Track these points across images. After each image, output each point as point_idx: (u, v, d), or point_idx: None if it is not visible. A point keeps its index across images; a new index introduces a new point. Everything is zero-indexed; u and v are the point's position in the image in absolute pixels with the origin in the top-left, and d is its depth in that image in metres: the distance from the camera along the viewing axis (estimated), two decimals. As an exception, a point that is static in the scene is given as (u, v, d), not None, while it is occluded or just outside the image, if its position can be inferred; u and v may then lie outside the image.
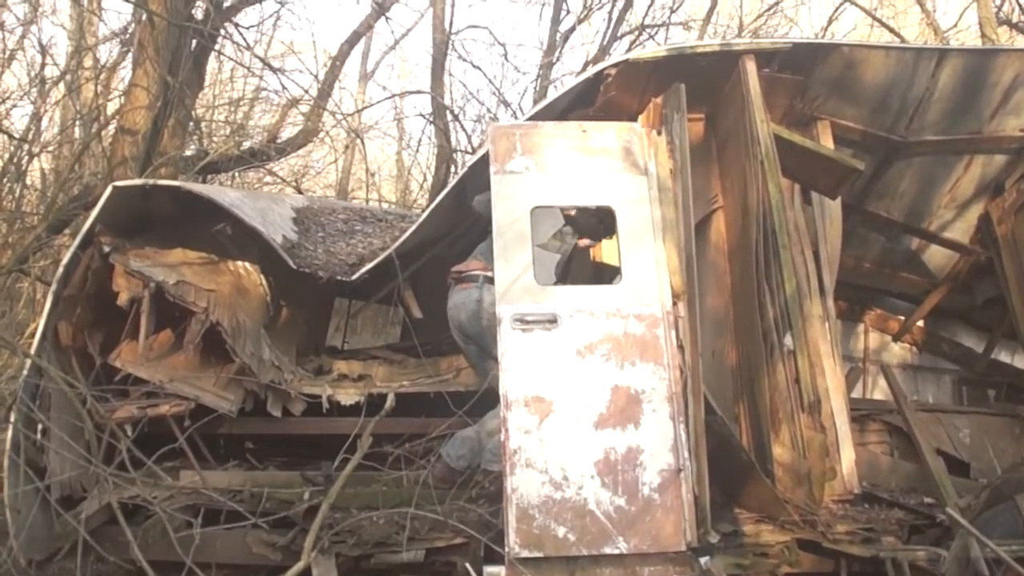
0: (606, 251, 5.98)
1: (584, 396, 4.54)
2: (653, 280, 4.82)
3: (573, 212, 5.63)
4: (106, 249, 5.35)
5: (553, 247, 5.68)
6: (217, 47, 10.48)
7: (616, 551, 4.28)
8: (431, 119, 13.97)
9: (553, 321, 4.63)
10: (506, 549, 4.18)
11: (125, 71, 10.83)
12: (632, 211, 4.97)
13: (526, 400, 4.49)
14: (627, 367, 4.61)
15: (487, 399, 5.00)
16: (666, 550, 4.30)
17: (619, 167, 5.07)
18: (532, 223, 4.93)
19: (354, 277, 5.83)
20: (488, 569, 4.19)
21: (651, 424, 4.51)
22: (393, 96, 16.57)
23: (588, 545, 4.28)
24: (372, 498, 4.73)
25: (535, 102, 12.89)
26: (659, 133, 5.14)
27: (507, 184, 4.97)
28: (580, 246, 5.75)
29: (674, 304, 4.75)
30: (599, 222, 5.50)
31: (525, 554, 4.20)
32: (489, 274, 5.14)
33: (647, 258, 4.86)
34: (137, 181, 5.84)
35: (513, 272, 4.76)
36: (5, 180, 9.00)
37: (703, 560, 4.22)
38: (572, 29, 14.70)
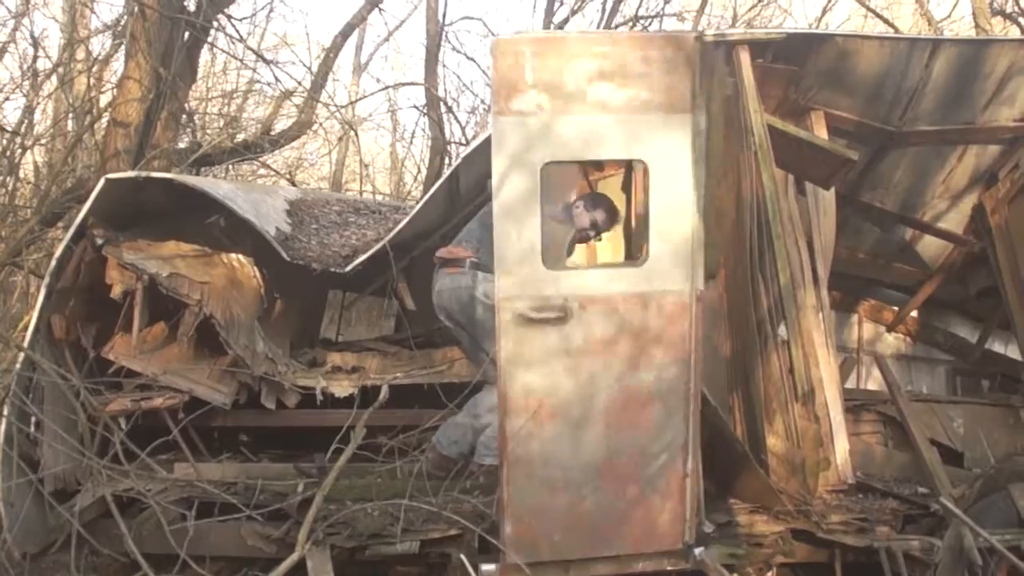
0: (601, 251, 5.91)
1: (593, 399, 4.02)
2: (685, 259, 4.00)
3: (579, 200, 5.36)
4: (99, 242, 5.33)
5: (565, 218, 5.30)
6: (210, 39, 10.43)
7: (613, 553, 4.22)
8: (425, 111, 13.99)
9: (563, 317, 3.93)
10: (501, 553, 4.13)
11: (118, 64, 10.79)
12: (669, 168, 3.95)
13: (527, 405, 3.97)
14: (644, 366, 4.01)
15: (481, 389, 5.00)
16: (663, 549, 4.25)
17: (660, 103, 3.92)
18: (543, 185, 3.91)
19: (348, 269, 5.82)
20: (484, 567, 4.18)
21: (664, 427, 4.08)
22: (387, 88, 16.62)
23: (586, 551, 4.18)
24: (366, 490, 4.72)
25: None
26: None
27: (511, 130, 3.85)
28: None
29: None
30: (591, 225, 5.37)
31: (521, 559, 4.05)
32: (475, 260, 5.00)
33: (681, 231, 3.98)
34: (130, 173, 5.83)
35: (516, 253, 3.91)
36: (-3, 173, 8.96)
37: (697, 551, 4.21)
38: (566, 20, 14.66)
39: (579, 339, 3.98)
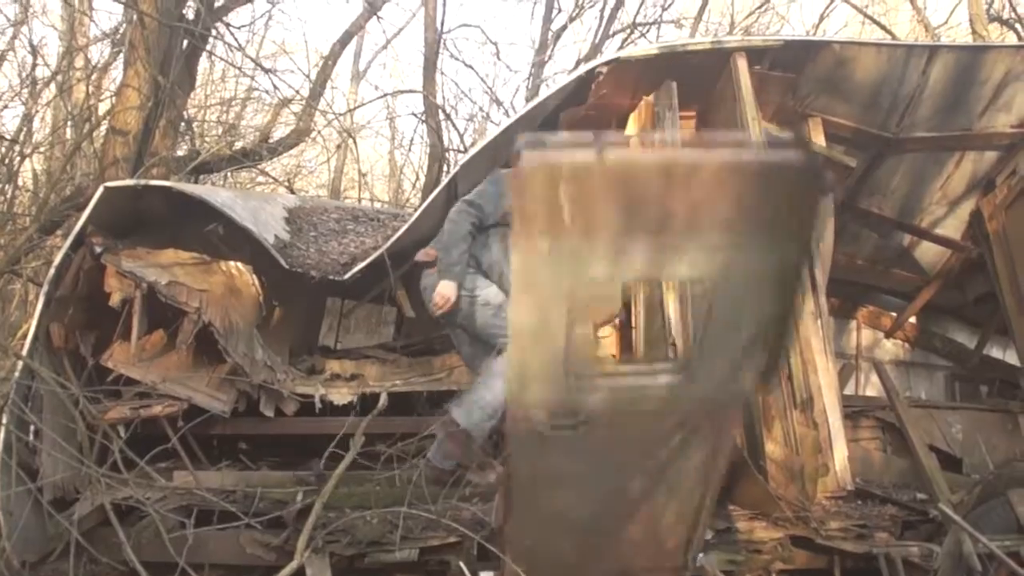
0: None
1: (610, 483, 3.60)
2: (736, 364, 3.19)
3: None
4: (98, 250, 5.33)
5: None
6: (208, 47, 10.46)
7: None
8: (423, 118, 13.98)
9: (585, 424, 3.30)
10: (500, 561, 4.06)
11: (116, 71, 10.82)
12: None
13: (536, 491, 3.57)
14: (675, 453, 3.50)
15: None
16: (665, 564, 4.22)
17: (732, 231, 2.97)
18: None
19: (346, 276, 5.82)
20: (483, 575, 4.17)
21: (683, 478, 3.62)
22: (385, 95, 16.57)
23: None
24: (365, 497, 4.71)
25: (527, 100, 12.92)
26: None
27: (540, 269, 2.81)
28: None
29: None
30: None
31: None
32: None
33: (734, 339, 3.13)
34: (129, 181, 5.83)
35: (535, 364, 3.09)
36: (-4, 181, 8.97)
37: (697, 557, 4.21)
38: (564, 27, 14.74)
39: (600, 441, 3.39)
